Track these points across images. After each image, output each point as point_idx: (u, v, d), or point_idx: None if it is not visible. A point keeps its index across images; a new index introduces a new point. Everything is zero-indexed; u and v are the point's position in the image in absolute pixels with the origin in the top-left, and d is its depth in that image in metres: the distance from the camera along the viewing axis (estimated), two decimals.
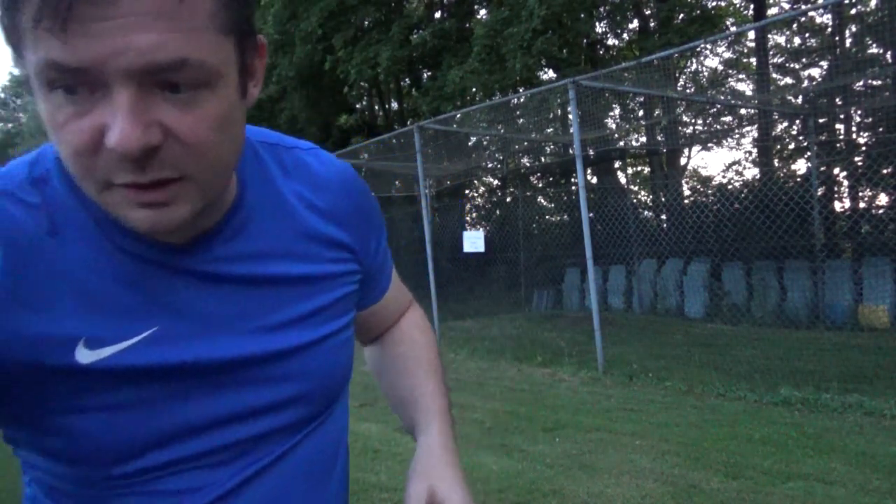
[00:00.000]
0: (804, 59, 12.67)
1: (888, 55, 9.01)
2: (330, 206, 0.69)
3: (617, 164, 13.42)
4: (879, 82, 9.14)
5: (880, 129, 9.12)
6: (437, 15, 14.86)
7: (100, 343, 0.53)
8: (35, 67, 0.44)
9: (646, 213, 12.15)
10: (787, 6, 12.45)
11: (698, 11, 11.08)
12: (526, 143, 11.96)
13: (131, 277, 0.56)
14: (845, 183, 9.40)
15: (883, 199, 9.09)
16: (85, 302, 0.54)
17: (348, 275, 0.72)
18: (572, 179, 12.12)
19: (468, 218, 14.31)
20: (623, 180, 13.91)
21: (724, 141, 14.13)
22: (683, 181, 15.50)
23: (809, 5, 10.66)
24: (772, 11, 12.09)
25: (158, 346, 0.56)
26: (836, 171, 9.34)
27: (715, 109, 11.60)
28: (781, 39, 13.21)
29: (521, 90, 10.96)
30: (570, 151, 8.47)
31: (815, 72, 12.56)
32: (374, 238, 0.76)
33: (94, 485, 0.57)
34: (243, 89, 0.54)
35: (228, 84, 0.50)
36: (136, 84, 0.44)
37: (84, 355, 0.53)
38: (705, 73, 15.56)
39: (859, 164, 9.02)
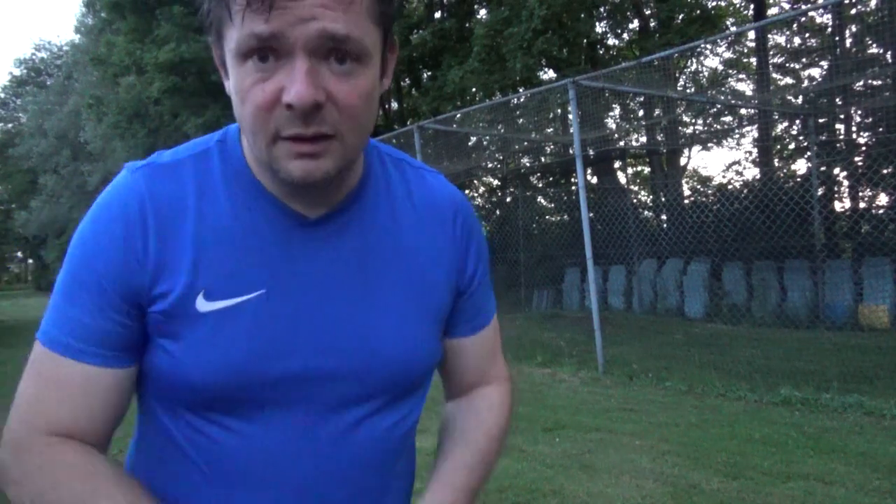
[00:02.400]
0: (804, 59, 12.65)
1: (888, 55, 9.01)
2: (440, 224, 0.78)
3: (617, 164, 13.40)
4: (879, 82, 9.13)
5: (880, 129, 9.12)
6: (437, 15, 14.85)
7: (216, 296, 0.67)
8: (237, 41, 0.59)
9: (646, 213, 12.15)
10: (787, 6, 12.45)
11: (698, 11, 11.07)
12: (526, 143, 11.96)
13: (255, 244, 0.68)
14: (845, 183, 9.39)
15: (883, 199, 9.09)
16: (212, 260, 0.67)
17: (444, 287, 0.78)
18: (572, 179, 12.12)
19: None
20: (623, 180, 13.89)
21: (724, 141, 14.14)
22: (683, 181, 15.50)
23: (809, 5, 10.66)
24: (772, 11, 12.09)
25: (262, 306, 0.67)
26: (836, 171, 9.33)
27: (715, 109, 11.60)
28: (781, 39, 13.19)
29: (521, 90, 10.96)
30: (570, 151, 8.47)
31: (815, 72, 12.56)
32: (473, 264, 0.81)
33: (186, 409, 0.69)
34: (381, 74, 0.67)
35: (374, 66, 0.63)
36: (311, 55, 0.59)
37: (203, 304, 0.66)
38: (705, 73, 15.57)
39: (859, 164, 9.01)
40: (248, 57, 0.59)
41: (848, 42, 10.36)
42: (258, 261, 0.68)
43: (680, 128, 11.64)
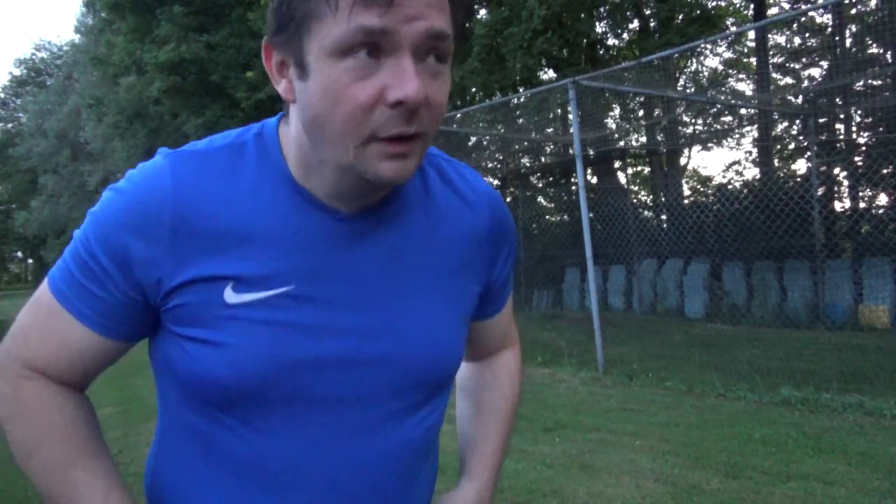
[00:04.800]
0: (804, 59, 12.65)
1: (888, 55, 9.01)
2: (474, 216, 0.78)
3: (617, 164, 13.39)
4: (879, 82, 9.12)
5: (880, 129, 9.11)
6: None
7: (244, 289, 0.66)
8: (339, 35, 0.56)
9: (646, 213, 12.14)
10: (787, 6, 12.44)
11: (698, 11, 11.06)
12: (526, 143, 11.96)
13: (286, 239, 0.67)
14: (845, 183, 9.39)
15: (883, 199, 9.08)
16: (242, 253, 0.66)
17: (474, 285, 0.79)
18: (572, 179, 12.11)
19: None
20: (623, 180, 13.88)
21: (724, 141, 14.14)
22: (683, 181, 15.49)
23: (809, 5, 10.65)
24: (772, 11, 12.08)
25: (291, 301, 0.66)
26: (836, 171, 9.33)
27: (715, 109, 11.60)
28: (781, 39, 13.19)
29: (521, 90, 10.95)
30: (570, 151, 8.47)
31: (815, 72, 12.56)
32: (504, 255, 0.83)
33: (211, 407, 0.68)
34: None
35: (450, 66, 0.63)
36: (413, 54, 0.58)
37: (230, 296, 0.65)
38: (705, 73, 15.58)
39: (859, 164, 9.01)
40: (347, 54, 0.57)
41: (848, 42, 10.35)
42: (289, 255, 0.67)
43: (680, 128, 11.64)
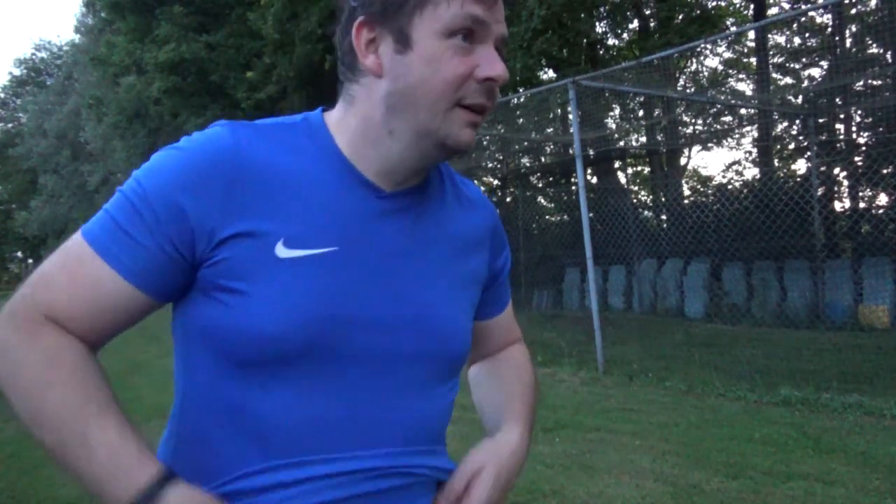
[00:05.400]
0: (804, 59, 12.66)
1: (888, 55, 9.01)
2: (479, 217, 0.88)
3: (617, 164, 13.40)
4: (879, 82, 9.13)
5: (880, 129, 9.12)
6: None
7: (295, 245, 0.71)
8: (451, 17, 0.70)
9: (646, 213, 12.15)
10: (787, 6, 12.44)
11: (698, 11, 11.07)
12: (526, 143, 11.96)
13: (333, 205, 0.74)
14: (845, 183, 9.39)
15: (883, 199, 9.09)
16: (293, 212, 0.71)
17: (479, 280, 0.87)
18: (572, 179, 12.11)
19: None
20: (623, 180, 13.90)
21: (724, 141, 14.15)
22: (683, 181, 15.49)
23: (809, 5, 10.65)
24: (772, 11, 12.08)
25: (335, 260, 0.72)
26: (836, 171, 9.33)
27: (715, 109, 11.61)
28: (781, 39, 13.20)
29: (521, 90, 10.95)
30: (570, 151, 8.47)
31: (815, 72, 12.57)
32: (502, 255, 0.93)
33: (245, 367, 0.70)
34: None
35: None
36: (494, 44, 0.73)
37: (282, 251, 0.70)
38: (705, 73, 15.58)
39: (859, 164, 9.01)
40: (451, 35, 0.70)
41: (848, 42, 10.36)
42: (334, 220, 0.73)
43: (680, 128, 11.65)
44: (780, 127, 12.13)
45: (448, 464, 0.82)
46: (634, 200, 12.84)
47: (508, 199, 14.01)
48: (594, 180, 13.12)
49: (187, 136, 0.74)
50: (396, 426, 0.74)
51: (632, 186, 17.65)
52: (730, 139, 14.01)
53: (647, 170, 16.43)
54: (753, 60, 14.01)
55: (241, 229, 0.69)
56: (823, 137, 9.50)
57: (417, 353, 0.76)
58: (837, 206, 9.60)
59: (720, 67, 15.50)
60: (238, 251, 0.69)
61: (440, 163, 0.81)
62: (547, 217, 13.47)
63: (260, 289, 0.69)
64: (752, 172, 13.96)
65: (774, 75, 12.66)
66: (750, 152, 14.22)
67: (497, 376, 0.96)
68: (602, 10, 11.91)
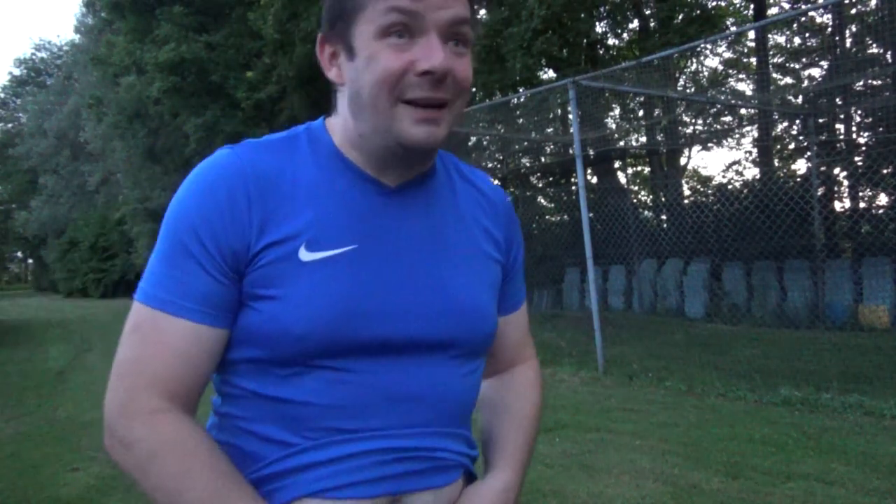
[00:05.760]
0: (804, 59, 12.65)
1: (888, 55, 9.00)
2: (490, 207, 0.90)
3: (617, 164, 13.39)
4: (879, 82, 9.13)
5: (880, 129, 9.11)
6: None
7: (316, 247, 0.74)
8: (377, 17, 0.70)
9: (646, 213, 12.14)
10: (787, 6, 12.44)
11: (698, 11, 11.06)
12: (526, 143, 11.95)
13: (345, 207, 0.77)
14: (845, 183, 9.39)
15: (883, 199, 9.08)
16: (310, 217, 0.75)
17: (496, 262, 0.89)
18: (572, 179, 12.11)
19: None
20: (623, 180, 13.90)
21: (724, 141, 14.14)
22: (683, 181, 15.49)
23: (809, 5, 10.64)
24: (772, 11, 12.07)
25: (355, 258, 0.75)
26: (836, 171, 9.33)
27: (715, 109, 11.60)
28: (781, 39, 13.20)
29: (521, 90, 10.95)
30: (570, 151, 8.46)
31: (815, 72, 12.56)
32: (516, 246, 0.94)
33: (281, 363, 0.73)
34: None
35: (470, 52, 0.75)
36: (440, 36, 0.71)
37: (304, 254, 0.74)
38: (705, 73, 15.57)
39: (859, 164, 9.01)
40: (385, 35, 0.70)
41: (848, 42, 10.36)
42: (349, 220, 0.76)
43: (680, 128, 11.64)
44: (780, 127, 12.13)
45: (471, 450, 0.86)
46: (634, 200, 12.84)
47: (508, 199, 13.99)
48: (594, 180, 13.12)
49: (196, 168, 0.77)
50: (424, 407, 0.77)
51: (632, 186, 17.64)
52: (730, 139, 14.01)
53: (647, 170, 16.43)
54: (753, 60, 14.01)
55: (270, 239, 0.73)
56: (823, 137, 9.50)
57: (443, 338, 0.78)
58: (837, 206, 9.60)
59: (720, 67, 15.49)
60: (269, 260, 0.73)
61: (423, 159, 0.80)
62: (547, 217, 13.46)
63: (288, 293, 0.72)
64: (752, 172, 13.96)
65: (774, 75, 12.66)
66: (750, 152, 14.22)
67: (501, 404, 0.96)
68: (602, 10, 11.90)
